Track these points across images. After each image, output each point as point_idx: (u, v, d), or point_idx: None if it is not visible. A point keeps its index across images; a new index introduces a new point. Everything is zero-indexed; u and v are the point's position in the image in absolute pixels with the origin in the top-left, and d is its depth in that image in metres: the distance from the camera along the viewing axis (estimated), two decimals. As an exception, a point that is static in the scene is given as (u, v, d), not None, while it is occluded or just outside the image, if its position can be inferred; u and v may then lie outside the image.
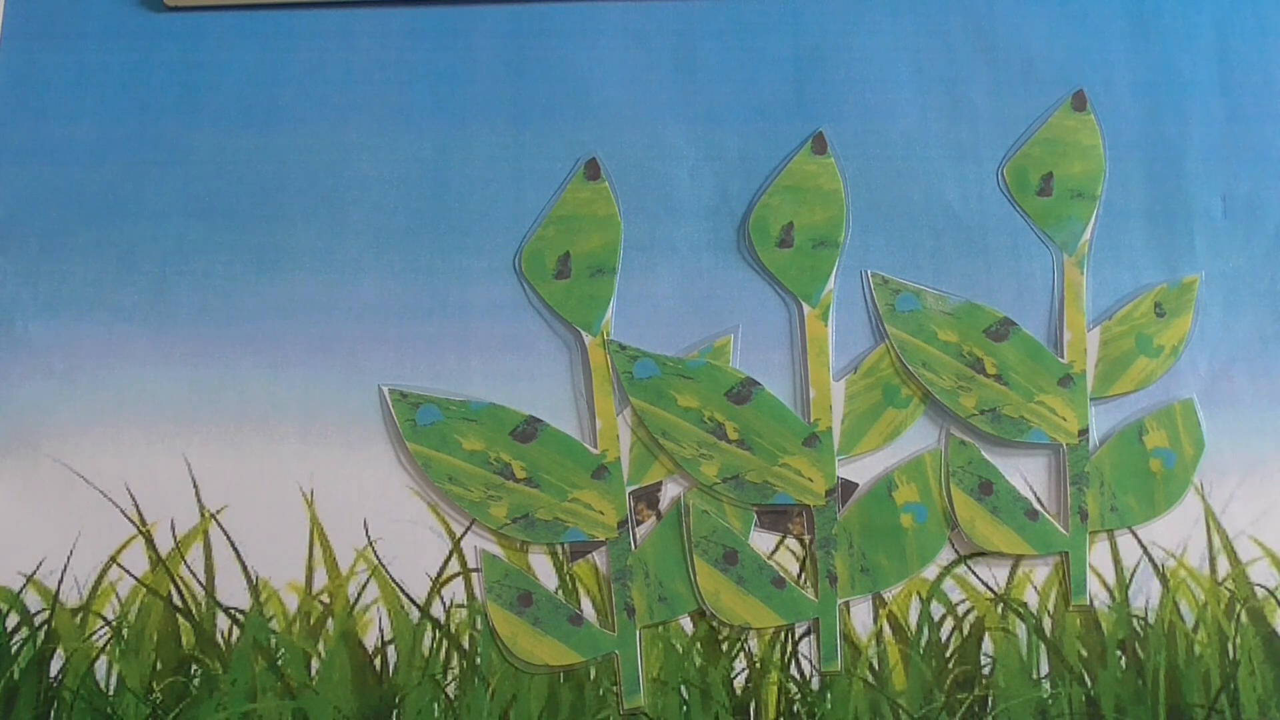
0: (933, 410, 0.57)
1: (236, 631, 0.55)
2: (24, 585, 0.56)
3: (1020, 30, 0.62)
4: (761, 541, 0.56)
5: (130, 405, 0.57)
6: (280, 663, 0.55)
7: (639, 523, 0.57)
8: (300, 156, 0.60)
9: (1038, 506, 0.56)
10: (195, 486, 0.57)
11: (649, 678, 0.55)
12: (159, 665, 0.55)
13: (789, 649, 0.55)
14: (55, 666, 0.55)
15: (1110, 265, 0.59)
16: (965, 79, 0.61)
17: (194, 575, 0.56)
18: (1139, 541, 0.56)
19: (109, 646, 0.55)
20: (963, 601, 0.56)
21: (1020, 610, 0.56)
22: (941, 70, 0.61)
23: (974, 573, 0.56)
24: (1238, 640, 0.55)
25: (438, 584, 0.56)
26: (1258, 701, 0.55)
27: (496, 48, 0.62)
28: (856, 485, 0.57)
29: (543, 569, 0.56)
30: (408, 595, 0.56)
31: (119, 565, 0.56)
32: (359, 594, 0.56)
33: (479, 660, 0.55)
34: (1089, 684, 0.55)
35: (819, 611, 0.56)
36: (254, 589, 0.56)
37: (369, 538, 0.56)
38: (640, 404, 0.57)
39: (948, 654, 0.55)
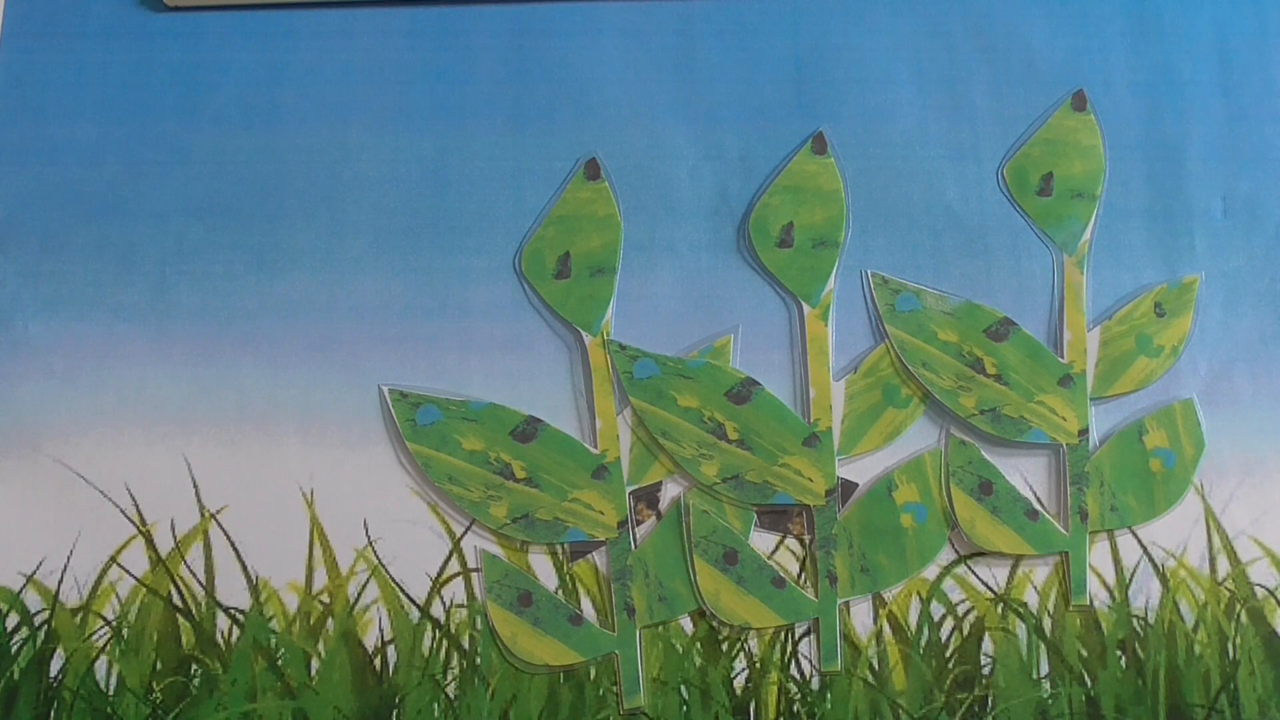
0: (933, 410, 0.57)
1: (236, 631, 0.55)
2: (24, 585, 0.56)
3: (1020, 30, 0.62)
4: (761, 541, 0.56)
5: (130, 405, 0.57)
6: (280, 663, 0.55)
7: (639, 523, 0.57)
8: (300, 156, 0.60)
9: (1038, 506, 0.56)
10: (195, 486, 0.57)
11: (649, 678, 0.55)
12: (159, 665, 0.55)
13: (789, 649, 0.55)
14: (55, 666, 0.55)
15: (1110, 265, 0.59)
16: (965, 79, 0.61)
17: (194, 575, 0.56)
18: (1139, 541, 0.56)
19: (109, 646, 0.55)
20: (963, 601, 0.56)
21: (1020, 610, 0.56)
22: (941, 70, 0.61)
23: (974, 573, 0.56)
24: (1238, 640, 0.55)
25: (438, 584, 0.56)
26: (1258, 701, 0.55)
27: (496, 48, 0.62)
28: (856, 485, 0.57)
29: (543, 569, 0.56)
30: (408, 595, 0.56)
31: (119, 565, 0.56)
32: (359, 594, 0.56)
33: (479, 660, 0.55)
34: (1089, 684, 0.55)
35: (819, 611, 0.56)
36: (254, 589, 0.56)
37: (369, 538, 0.56)
38: (640, 404, 0.57)
39: (948, 654, 0.55)
